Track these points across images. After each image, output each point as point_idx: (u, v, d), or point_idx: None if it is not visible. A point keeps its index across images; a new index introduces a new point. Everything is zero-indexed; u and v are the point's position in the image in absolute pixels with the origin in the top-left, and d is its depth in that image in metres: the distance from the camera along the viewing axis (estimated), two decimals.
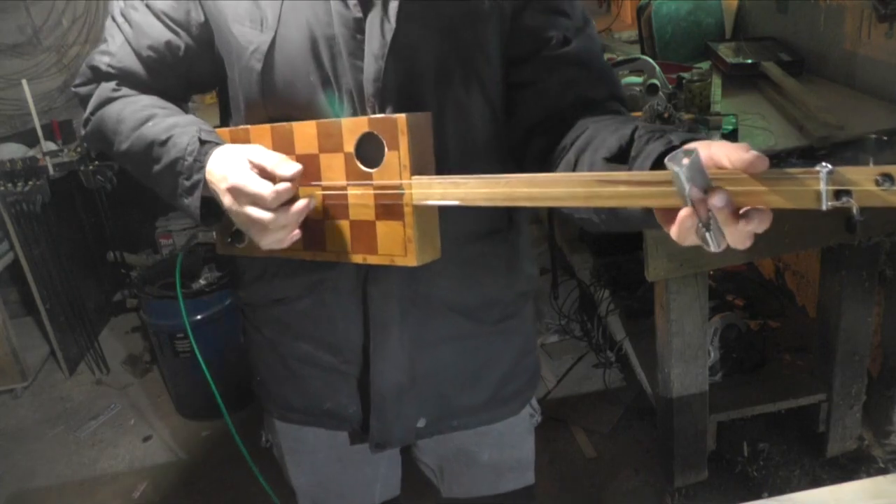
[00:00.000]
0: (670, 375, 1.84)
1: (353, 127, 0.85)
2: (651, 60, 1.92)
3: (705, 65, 2.13)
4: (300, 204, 0.84)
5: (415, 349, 1.01)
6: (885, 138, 1.45)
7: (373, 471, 1.18)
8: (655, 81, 1.81)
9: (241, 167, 0.84)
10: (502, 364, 1.10)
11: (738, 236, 0.62)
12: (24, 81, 2.67)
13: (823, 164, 0.57)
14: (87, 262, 3.26)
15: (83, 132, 1.03)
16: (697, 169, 0.61)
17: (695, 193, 0.61)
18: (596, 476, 2.14)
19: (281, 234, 0.85)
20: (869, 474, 1.95)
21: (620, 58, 2.10)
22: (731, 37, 2.37)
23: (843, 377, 1.91)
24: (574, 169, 0.82)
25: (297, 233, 0.86)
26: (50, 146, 2.81)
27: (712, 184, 0.61)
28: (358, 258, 0.88)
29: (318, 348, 1.04)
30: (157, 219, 3.40)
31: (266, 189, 0.82)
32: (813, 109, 1.67)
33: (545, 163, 0.90)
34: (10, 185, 2.68)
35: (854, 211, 0.57)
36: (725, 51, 2.16)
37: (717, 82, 1.96)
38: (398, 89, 0.88)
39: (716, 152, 0.62)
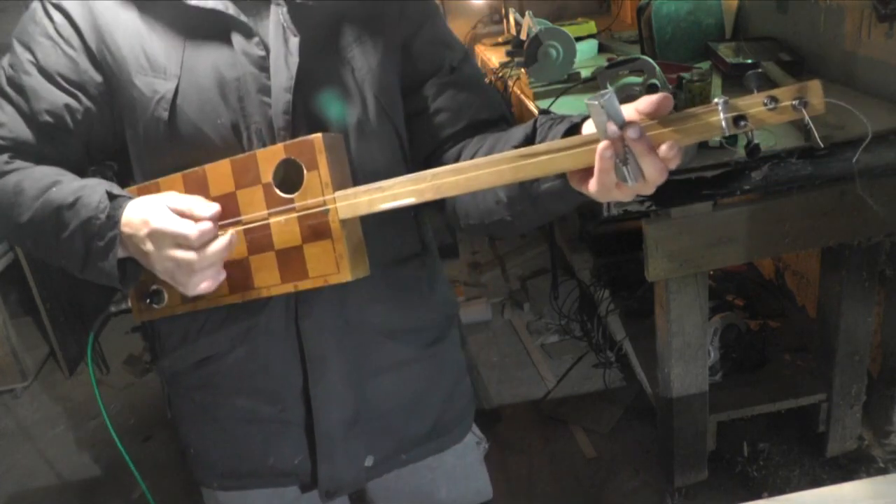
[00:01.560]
0: (670, 375, 1.84)
1: (268, 156, 0.86)
2: (651, 60, 1.92)
3: (705, 65, 2.13)
4: (224, 239, 0.83)
5: (355, 380, 1.01)
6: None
7: None
8: (655, 81, 1.81)
9: (161, 211, 0.83)
10: (440, 390, 1.11)
11: (654, 168, 0.70)
12: None
13: (720, 96, 0.67)
14: None
15: None
16: (613, 106, 0.67)
17: (611, 128, 0.68)
18: (596, 476, 2.14)
19: (208, 274, 0.84)
20: (869, 474, 1.95)
21: (620, 58, 2.10)
22: (731, 37, 2.37)
23: (843, 377, 1.91)
24: None
25: (223, 273, 0.86)
26: None
27: (628, 119, 0.68)
28: (289, 287, 0.88)
29: (255, 401, 1.01)
30: None
31: (190, 228, 0.81)
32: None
33: None
34: None
35: (750, 135, 0.69)
36: (725, 51, 2.15)
37: (717, 82, 1.96)
38: (307, 119, 0.90)
39: (629, 107, 0.70)
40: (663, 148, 0.68)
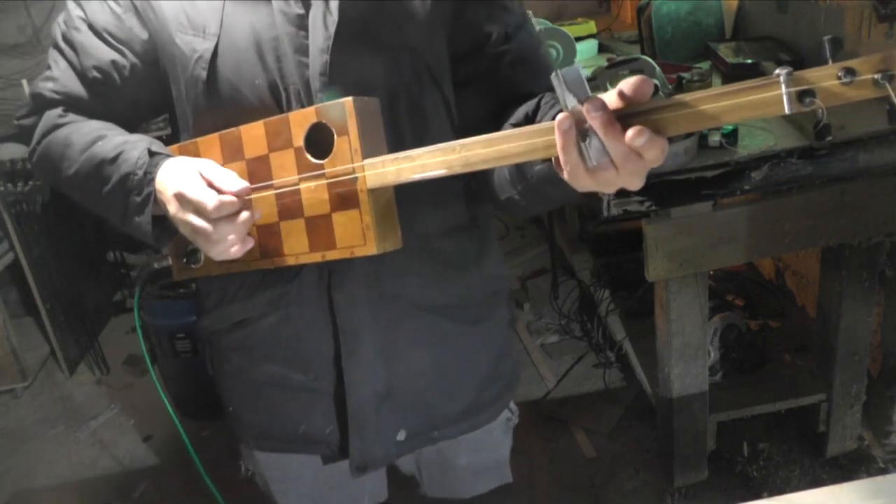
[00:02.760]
0: (670, 375, 1.84)
1: (300, 119, 0.84)
2: (651, 60, 1.92)
3: (705, 65, 2.13)
4: (242, 216, 0.83)
5: (389, 355, 0.99)
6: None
7: (359, 487, 1.15)
8: (655, 81, 1.81)
9: (191, 176, 0.84)
10: (479, 370, 1.08)
11: (620, 151, 0.62)
12: (24, 81, 2.67)
13: (783, 67, 0.56)
14: (87, 262, 3.26)
15: (29, 164, 1.00)
16: (575, 79, 0.62)
17: (570, 101, 0.63)
18: (596, 476, 2.14)
19: (227, 244, 0.84)
20: (869, 474, 1.95)
21: (620, 58, 2.10)
22: (731, 37, 2.37)
23: (843, 377, 1.91)
24: None
25: (249, 242, 0.85)
26: None
27: (592, 94, 0.62)
28: (317, 256, 0.86)
29: (287, 368, 1.01)
30: None
31: (210, 199, 0.82)
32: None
33: None
34: (10, 185, 2.68)
35: (819, 113, 0.57)
36: (725, 51, 2.15)
37: (716, 82, 1.96)
38: (346, 82, 0.86)
39: (611, 93, 0.63)
40: (629, 133, 0.61)
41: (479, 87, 0.94)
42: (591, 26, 2.88)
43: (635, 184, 0.66)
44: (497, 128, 0.88)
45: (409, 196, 0.87)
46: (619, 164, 0.64)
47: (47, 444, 2.68)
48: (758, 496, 1.81)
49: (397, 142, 0.87)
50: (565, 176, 0.68)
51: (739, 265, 2.47)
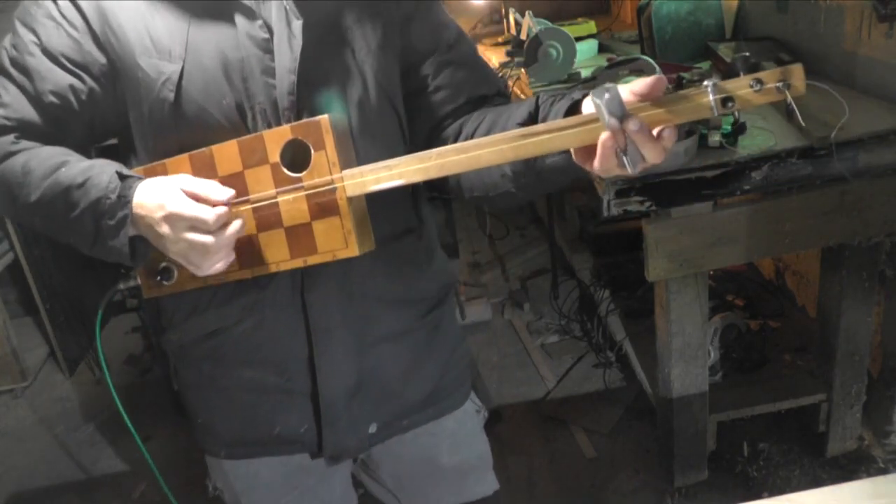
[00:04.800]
0: (670, 375, 1.84)
1: (275, 137, 0.88)
2: (651, 60, 1.92)
3: (705, 65, 2.13)
4: (236, 224, 0.88)
5: (358, 350, 1.04)
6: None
7: (328, 493, 1.17)
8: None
9: (176, 195, 0.85)
10: (438, 356, 1.14)
11: (654, 153, 0.75)
12: None
13: (707, 80, 0.72)
14: (87, 262, 3.24)
15: None
16: (616, 100, 0.73)
17: (613, 122, 0.73)
18: (596, 476, 2.14)
19: (222, 255, 0.88)
20: (869, 474, 1.95)
21: (620, 58, 2.11)
22: (731, 37, 2.36)
23: (843, 377, 1.91)
24: None
25: (232, 255, 0.89)
26: None
27: (628, 112, 0.73)
28: (298, 262, 0.91)
29: (262, 372, 1.03)
30: None
31: (206, 213, 0.84)
32: (813, 109, 1.67)
33: None
34: None
35: (737, 114, 0.76)
36: (725, 51, 2.15)
37: None
38: (311, 100, 0.92)
39: (623, 90, 0.74)
40: (666, 133, 0.74)
41: (431, 95, 1.03)
42: (591, 26, 2.88)
43: (661, 159, 0.77)
44: (456, 129, 1.01)
45: (369, 203, 0.93)
46: (652, 161, 0.76)
47: (47, 444, 2.68)
48: (758, 496, 1.81)
49: (356, 154, 0.93)
50: (596, 170, 0.79)
51: (739, 265, 2.47)
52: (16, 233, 2.79)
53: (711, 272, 2.12)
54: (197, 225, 0.85)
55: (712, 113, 0.71)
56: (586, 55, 2.56)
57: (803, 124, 0.79)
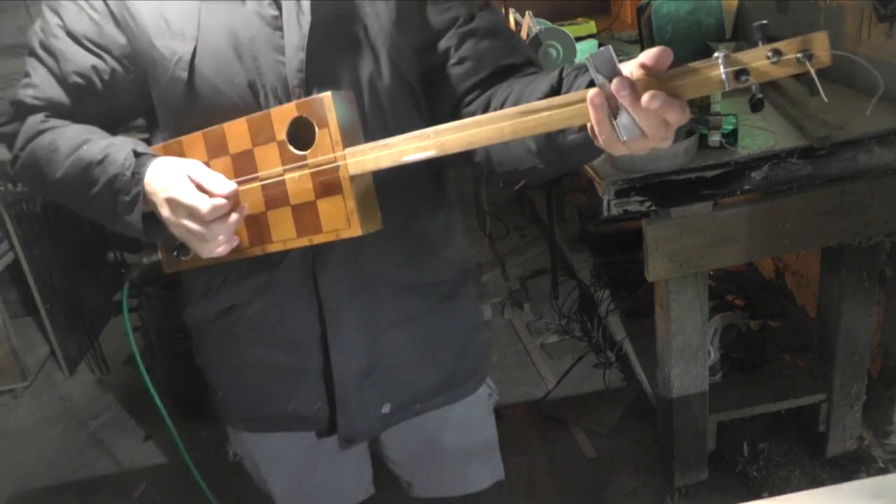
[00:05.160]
0: (670, 375, 1.84)
1: (282, 115, 0.88)
2: None
3: None
4: (234, 216, 0.88)
5: (370, 332, 1.04)
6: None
7: (341, 468, 1.20)
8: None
9: (180, 180, 0.87)
10: (455, 342, 1.14)
11: (647, 121, 0.68)
12: None
13: (720, 49, 0.64)
14: (87, 262, 3.26)
15: (11, 171, 1.01)
16: (605, 59, 0.68)
17: (600, 80, 0.68)
18: (596, 476, 2.14)
19: (218, 243, 0.88)
20: (869, 474, 1.95)
21: (620, 58, 2.10)
22: (731, 37, 2.36)
23: (843, 377, 1.91)
24: None
25: (235, 240, 0.90)
26: None
27: (619, 71, 0.68)
28: (304, 241, 0.91)
29: (275, 351, 1.05)
30: None
31: (203, 203, 0.85)
32: (813, 109, 1.67)
33: None
34: (10, 185, 2.68)
35: (753, 88, 0.66)
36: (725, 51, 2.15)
37: None
38: (320, 76, 0.91)
39: (631, 63, 0.69)
40: (644, 98, 0.66)
41: (454, 67, 0.98)
42: (591, 26, 2.88)
43: (665, 144, 0.71)
44: (484, 102, 0.95)
45: (383, 182, 0.92)
46: (649, 134, 0.69)
47: (47, 444, 2.67)
48: (758, 496, 1.81)
49: (367, 131, 0.91)
50: (601, 144, 0.74)
51: (739, 265, 2.47)
52: (16, 233, 2.79)
53: (711, 272, 2.12)
54: (193, 213, 0.86)
55: (723, 87, 0.64)
56: (586, 55, 2.56)
57: (825, 98, 0.70)
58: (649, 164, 1.53)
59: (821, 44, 0.63)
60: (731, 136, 1.59)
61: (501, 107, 0.91)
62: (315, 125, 0.86)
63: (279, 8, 0.91)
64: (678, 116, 0.67)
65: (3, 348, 2.89)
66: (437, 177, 1.08)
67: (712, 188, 1.57)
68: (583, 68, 0.80)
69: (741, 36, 2.35)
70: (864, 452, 2.03)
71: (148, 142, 0.99)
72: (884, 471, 1.97)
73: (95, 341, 3.05)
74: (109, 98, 0.98)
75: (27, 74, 0.99)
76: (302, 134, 0.88)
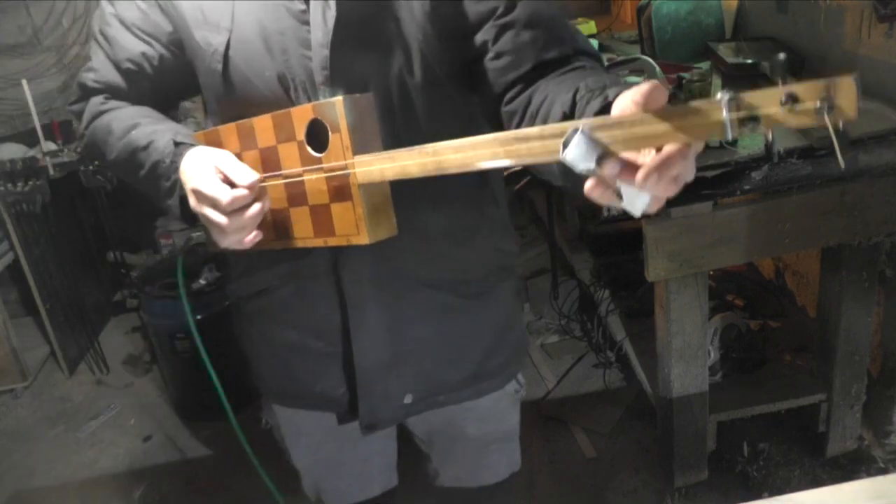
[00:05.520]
0: (670, 375, 1.84)
1: (300, 115, 0.88)
2: (651, 60, 1.92)
3: (705, 65, 2.13)
4: (254, 209, 0.88)
5: (394, 326, 1.04)
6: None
7: (367, 447, 1.21)
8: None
9: (207, 171, 0.89)
10: (483, 339, 1.12)
11: (656, 189, 0.60)
12: (24, 81, 2.67)
13: (724, 90, 0.55)
14: (87, 262, 3.26)
15: (78, 149, 1.09)
16: (583, 146, 0.60)
17: (588, 170, 0.61)
18: (596, 476, 2.14)
19: (238, 236, 0.89)
20: (869, 474, 1.95)
21: (620, 58, 2.11)
22: (731, 37, 2.36)
23: (843, 377, 1.91)
24: None
25: (256, 234, 0.90)
26: (50, 146, 2.82)
27: (605, 150, 0.60)
28: (319, 241, 0.91)
29: (302, 335, 1.07)
30: (157, 219, 3.40)
31: (224, 194, 0.87)
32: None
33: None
34: (10, 185, 2.68)
35: (768, 137, 0.54)
36: (725, 51, 2.15)
37: (717, 82, 1.96)
38: (345, 74, 0.90)
39: (621, 101, 0.62)
40: (638, 178, 0.59)
41: (493, 62, 0.92)
42: (591, 26, 2.88)
43: (675, 190, 0.64)
44: (524, 100, 0.88)
45: (416, 179, 0.89)
46: (659, 197, 0.63)
47: (47, 444, 2.68)
48: (758, 496, 1.81)
49: (393, 133, 0.90)
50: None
51: (739, 265, 2.47)
52: (16, 233, 2.79)
53: (711, 272, 2.12)
54: (215, 204, 0.87)
55: (726, 135, 0.55)
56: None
57: (843, 166, 0.52)
58: None
59: (847, 92, 0.51)
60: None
61: (538, 110, 0.85)
62: (329, 129, 0.85)
63: (307, 2, 0.90)
64: (684, 169, 0.60)
65: (3, 348, 2.90)
66: (484, 173, 1.03)
67: (712, 188, 1.57)
68: (596, 90, 0.75)
69: (741, 36, 2.35)
70: (864, 452, 2.03)
71: (204, 118, 1.05)
72: (884, 471, 1.97)
73: (95, 341, 3.05)
74: (161, 82, 1.03)
75: (90, 58, 1.05)
76: (322, 134, 0.87)
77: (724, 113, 0.55)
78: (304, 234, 0.92)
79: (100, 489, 2.41)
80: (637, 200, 0.62)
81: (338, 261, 0.99)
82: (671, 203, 1.58)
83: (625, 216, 1.59)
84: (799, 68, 2.01)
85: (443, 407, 1.15)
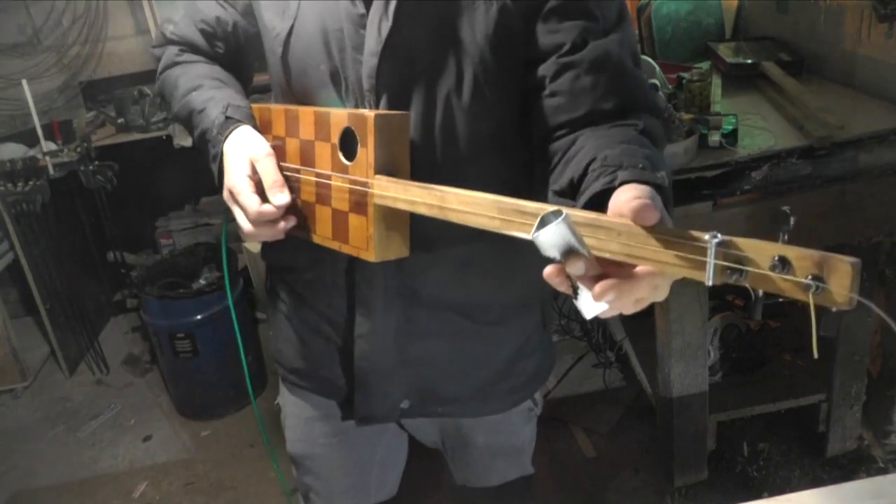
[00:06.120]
0: (670, 375, 1.84)
1: (337, 120, 0.88)
2: (651, 60, 1.92)
3: (705, 65, 2.13)
4: (280, 226, 0.91)
5: (402, 337, 1.03)
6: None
7: (369, 453, 1.20)
8: (655, 81, 1.81)
9: (243, 171, 0.91)
10: (494, 364, 1.09)
11: (614, 303, 0.57)
12: (24, 81, 2.67)
13: (714, 233, 0.51)
14: (87, 262, 3.26)
15: (155, 89, 1.13)
16: (557, 235, 0.57)
17: (553, 258, 0.58)
18: (596, 476, 2.14)
19: (260, 238, 0.94)
20: (869, 474, 1.95)
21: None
22: (731, 37, 2.37)
23: (843, 377, 1.91)
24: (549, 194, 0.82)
25: (279, 235, 0.92)
26: (50, 146, 2.81)
27: (576, 247, 0.57)
28: (335, 245, 0.92)
29: (320, 318, 1.08)
30: (157, 219, 3.40)
31: (252, 204, 0.89)
32: (813, 109, 1.67)
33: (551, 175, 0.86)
34: (10, 185, 2.68)
35: (754, 294, 0.52)
36: (725, 51, 2.16)
37: (717, 82, 1.96)
38: (391, 86, 0.89)
39: (620, 195, 0.59)
40: (596, 291, 0.57)
41: (546, 99, 0.87)
42: None
43: (635, 310, 0.61)
44: (567, 143, 0.83)
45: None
46: (612, 311, 0.60)
47: (47, 444, 2.67)
48: (758, 496, 1.81)
49: (435, 149, 0.90)
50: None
51: None
52: (16, 233, 2.79)
53: None
54: (242, 209, 0.90)
55: (705, 280, 0.52)
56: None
57: (816, 355, 0.47)
58: None
59: (841, 276, 0.46)
60: (731, 136, 1.59)
61: (572, 158, 0.80)
62: (358, 141, 0.85)
63: (367, 7, 0.89)
64: (651, 295, 0.58)
65: (3, 348, 2.90)
66: (515, 194, 1.00)
67: (712, 188, 1.57)
68: (610, 167, 0.70)
69: (741, 36, 2.36)
70: (864, 452, 2.03)
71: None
72: (884, 471, 1.97)
73: (95, 341, 3.05)
74: (233, 48, 1.07)
75: (177, 9, 1.11)
76: (353, 143, 0.86)
77: (710, 256, 0.51)
78: (324, 232, 0.93)
79: (100, 489, 2.41)
80: (592, 306, 0.59)
81: (354, 265, 0.99)
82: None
83: None
84: (799, 68, 2.01)
85: (441, 417, 1.13)
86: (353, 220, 0.87)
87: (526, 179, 0.92)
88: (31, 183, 2.69)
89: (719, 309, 2.16)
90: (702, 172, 1.55)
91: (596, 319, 0.69)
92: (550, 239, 0.57)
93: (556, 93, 0.85)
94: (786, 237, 0.53)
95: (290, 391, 1.19)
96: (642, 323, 2.31)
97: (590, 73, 0.84)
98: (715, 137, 1.58)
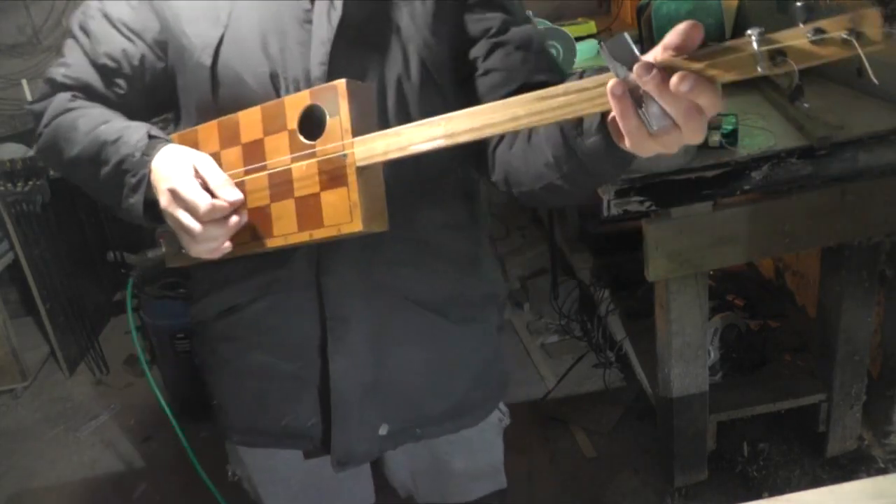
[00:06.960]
0: (670, 375, 1.84)
1: (295, 102, 0.87)
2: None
3: None
4: (231, 220, 0.85)
5: (378, 346, 1.00)
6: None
7: (345, 490, 1.16)
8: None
9: (186, 172, 0.85)
10: (469, 369, 1.09)
11: (677, 108, 0.60)
12: (24, 81, 2.67)
13: (754, 27, 0.57)
14: (87, 262, 3.26)
15: (35, 147, 1.02)
16: (621, 45, 0.61)
17: (619, 69, 0.61)
18: (596, 476, 2.14)
19: (210, 245, 0.86)
20: (869, 474, 1.95)
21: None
22: (731, 37, 2.36)
23: (843, 377, 1.91)
24: (529, 142, 0.86)
25: (227, 245, 0.87)
26: None
27: (638, 56, 0.61)
28: (304, 235, 0.87)
29: (273, 356, 1.02)
30: None
31: (202, 200, 0.83)
32: (813, 109, 1.67)
33: (505, 150, 0.91)
34: (10, 185, 2.68)
35: (794, 77, 0.59)
36: None
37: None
38: (344, 71, 0.88)
39: (654, 49, 0.62)
40: (673, 81, 0.58)
41: (484, 77, 0.94)
42: (591, 26, 2.88)
43: (698, 138, 0.64)
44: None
45: (407, 188, 0.90)
46: (681, 123, 0.61)
47: (47, 444, 2.67)
48: (758, 496, 1.81)
49: (384, 127, 0.89)
50: (627, 145, 0.66)
51: (739, 265, 2.47)
52: (16, 233, 2.78)
53: (711, 272, 2.12)
54: (191, 209, 0.84)
55: (756, 69, 0.56)
56: (586, 55, 2.56)
57: (876, 81, 0.58)
58: (649, 164, 1.53)
59: (871, 20, 0.55)
60: (731, 136, 1.59)
61: (528, 134, 0.87)
62: (327, 114, 0.84)
63: (312, 2, 0.91)
64: (712, 101, 0.59)
65: (3, 348, 2.89)
66: (467, 196, 1.05)
67: (712, 188, 1.57)
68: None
69: (741, 36, 2.35)
70: (864, 452, 2.03)
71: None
72: (884, 471, 1.97)
73: (95, 341, 3.05)
74: (137, 84, 0.99)
75: (63, 55, 1.00)
76: (315, 127, 0.86)
77: (755, 46, 0.56)
78: (286, 230, 0.88)
79: (100, 489, 2.41)
80: (658, 117, 0.62)
81: (320, 267, 0.95)
82: (671, 203, 1.59)
83: (626, 216, 1.60)
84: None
85: (418, 441, 1.10)
86: (328, 196, 0.85)
87: (482, 162, 0.96)
88: (31, 183, 2.69)
89: (719, 309, 2.16)
90: (702, 172, 1.55)
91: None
92: (620, 44, 0.61)
93: (490, 70, 0.94)
94: (803, 24, 0.59)
95: (249, 455, 1.13)
96: (642, 323, 2.31)
97: (519, 50, 0.94)
98: (715, 137, 1.58)
